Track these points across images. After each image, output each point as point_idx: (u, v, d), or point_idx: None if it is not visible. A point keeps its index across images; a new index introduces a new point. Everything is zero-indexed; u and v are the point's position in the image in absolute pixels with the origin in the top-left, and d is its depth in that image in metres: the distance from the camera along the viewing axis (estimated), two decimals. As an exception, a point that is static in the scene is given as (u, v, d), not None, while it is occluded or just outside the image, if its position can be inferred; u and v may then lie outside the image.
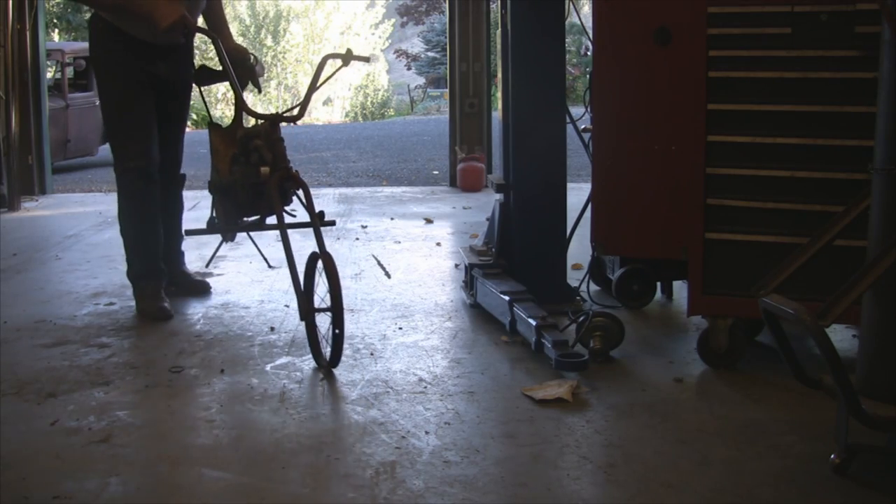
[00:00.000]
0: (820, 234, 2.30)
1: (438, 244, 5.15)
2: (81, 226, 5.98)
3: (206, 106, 4.10)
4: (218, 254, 4.54)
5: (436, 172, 9.87)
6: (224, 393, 2.72)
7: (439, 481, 2.09)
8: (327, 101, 27.18)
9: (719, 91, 2.79)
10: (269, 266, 4.38)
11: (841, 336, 3.18)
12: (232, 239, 3.72)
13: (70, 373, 2.89)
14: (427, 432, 2.38)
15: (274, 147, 3.06)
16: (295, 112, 3.20)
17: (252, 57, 3.58)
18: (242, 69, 3.52)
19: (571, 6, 3.78)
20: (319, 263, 2.87)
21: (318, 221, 2.99)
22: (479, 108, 7.84)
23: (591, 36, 3.16)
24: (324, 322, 2.88)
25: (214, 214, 3.46)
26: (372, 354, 3.06)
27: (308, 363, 2.95)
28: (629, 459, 2.23)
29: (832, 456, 2.12)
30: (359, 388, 2.71)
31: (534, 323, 2.93)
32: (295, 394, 2.69)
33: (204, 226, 3.50)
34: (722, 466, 2.18)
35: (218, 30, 3.68)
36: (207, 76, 3.68)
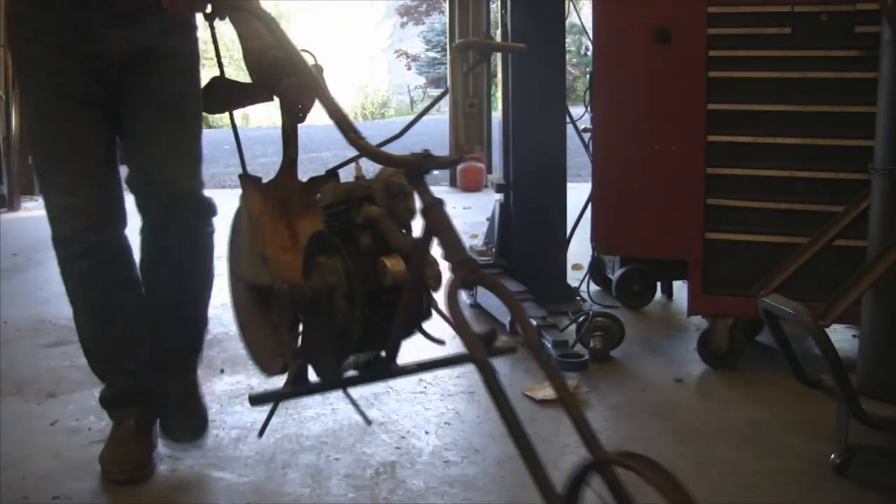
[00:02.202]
0: (820, 234, 2.30)
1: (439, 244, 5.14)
2: (81, 226, 5.97)
3: (233, 123, 2.13)
4: (218, 253, 4.52)
5: (436, 172, 9.84)
6: (224, 393, 2.72)
7: (439, 481, 2.09)
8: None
9: (719, 91, 2.79)
10: (368, 423, 2.42)
11: (841, 336, 3.18)
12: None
13: (70, 373, 2.89)
14: (427, 432, 2.38)
15: (437, 223, 1.55)
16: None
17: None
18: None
19: (571, 6, 3.79)
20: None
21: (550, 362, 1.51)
22: (479, 108, 7.84)
23: (591, 36, 3.16)
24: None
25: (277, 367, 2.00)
26: (372, 354, 3.06)
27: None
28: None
29: (832, 456, 2.12)
30: (359, 388, 2.71)
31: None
32: (295, 394, 2.68)
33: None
34: (722, 466, 2.18)
35: None
36: (228, 96, 2.12)
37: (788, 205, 2.75)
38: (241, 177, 2.04)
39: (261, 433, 2.02)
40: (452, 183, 8.13)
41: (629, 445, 2.31)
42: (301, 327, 1.85)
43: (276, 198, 2.05)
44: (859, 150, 2.56)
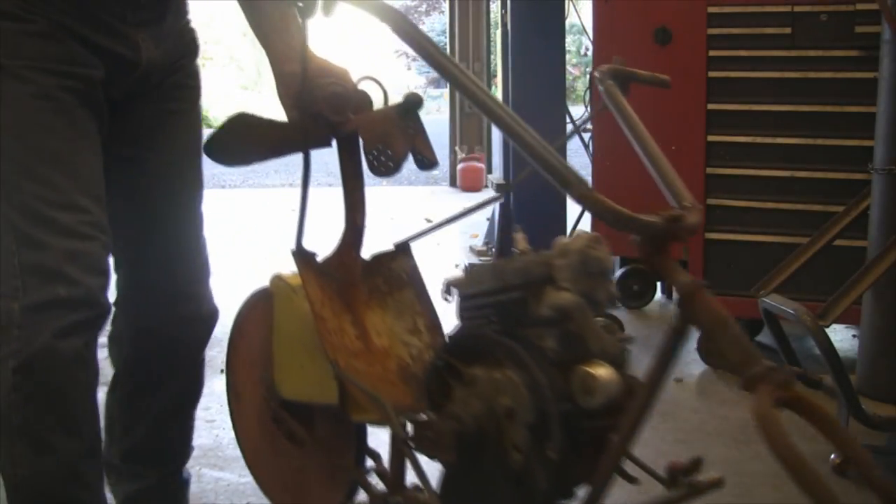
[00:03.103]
0: (820, 234, 2.30)
1: (438, 244, 5.15)
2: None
3: (305, 182, 1.48)
4: (218, 253, 4.51)
5: (436, 172, 9.86)
6: (224, 393, 2.71)
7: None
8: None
9: (719, 91, 2.79)
10: None
11: (841, 336, 3.18)
12: None
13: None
14: None
15: (707, 317, 1.11)
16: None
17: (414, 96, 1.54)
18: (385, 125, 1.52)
19: (571, 6, 3.79)
20: None
21: None
22: (479, 108, 7.84)
23: (591, 36, 3.17)
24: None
25: None
26: (372, 354, 3.05)
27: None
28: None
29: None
30: (359, 388, 2.71)
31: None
32: (295, 394, 2.68)
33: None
34: (722, 466, 2.17)
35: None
36: (261, 140, 1.46)
37: (788, 205, 2.75)
38: (294, 253, 1.47)
39: None
40: (452, 183, 8.13)
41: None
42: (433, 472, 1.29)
43: (335, 283, 1.50)
44: (859, 150, 2.56)
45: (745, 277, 2.67)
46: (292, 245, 1.48)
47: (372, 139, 1.49)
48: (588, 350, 1.17)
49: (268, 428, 1.64)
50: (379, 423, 1.39)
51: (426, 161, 1.55)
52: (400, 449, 1.33)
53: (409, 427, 1.30)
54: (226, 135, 1.41)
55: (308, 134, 1.44)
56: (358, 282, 1.54)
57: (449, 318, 1.43)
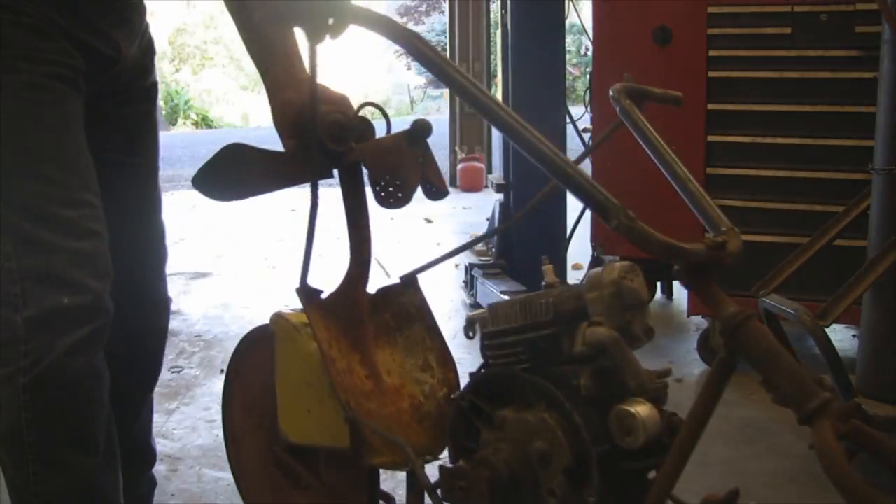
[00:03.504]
0: (820, 234, 2.30)
1: (438, 244, 5.15)
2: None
3: (311, 224, 1.35)
4: (218, 253, 4.50)
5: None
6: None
7: (439, 481, 2.08)
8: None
9: (719, 91, 2.79)
10: None
11: (841, 336, 3.18)
12: None
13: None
14: None
15: (759, 349, 1.05)
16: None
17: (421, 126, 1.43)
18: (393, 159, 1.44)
19: (571, 6, 3.79)
20: None
21: None
22: (479, 108, 7.84)
23: (591, 36, 3.17)
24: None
25: None
26: (372, 354, 3.05)
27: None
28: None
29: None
30: None
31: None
32: (295, 394, 2.68)
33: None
34: (722, 466, 2.18)
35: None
36: (258, 173, 1.38)
37: (788, 205, 2.75)
38: (299, 292, 1.38)
39: None
40: (452, 183, 8.12)
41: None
42: None
43: (341, 321, 1.42)
44: (859, 150, 2.56)
45: (745, 277, 2.67)
46: (297, 283, 1.39)
47: (380, 170, 1.41)
48: (626, 387, 1.10)
49: (270, 473, 1.57)
50: (394, 466, 1.33)
51: (436, 191, 1.48)
52: (420, 494, 1.26)
53: (435, 473, 1.23)
54: (217, 169, 1.32)
55: (307, 165, 1.35)
56: (365, 319, 1.46)
57: (458, 351, 1.41)
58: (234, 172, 1.34)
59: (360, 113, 1.40)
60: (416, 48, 1.10)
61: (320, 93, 1.32)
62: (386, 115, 1.45)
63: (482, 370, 1.28)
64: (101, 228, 1.35)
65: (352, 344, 1.42)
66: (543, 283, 1.26)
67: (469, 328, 1.32)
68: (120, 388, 1.55)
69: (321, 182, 1.32)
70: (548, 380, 1.16)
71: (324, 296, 1.42)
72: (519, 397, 1.18)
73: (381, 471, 1.45)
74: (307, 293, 1.39)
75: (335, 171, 1.40)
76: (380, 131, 1.43)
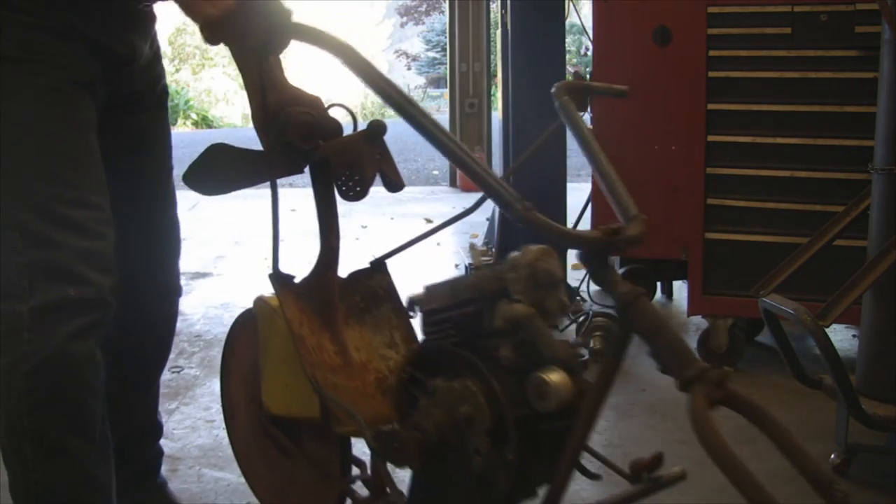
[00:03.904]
0: (820, 234, 2.30)
1: (438, 244, 5.15)
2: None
3: (275, 210, 1.50)
4: (218, 253, 4.50)
5: (436, 172, 9.86)
6: (224, 393, 2.72)
7: None
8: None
9: (719, 91, 2.79)
10: None
11: (841, 336, 3.18)
12: None
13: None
14: None
15: (647, 323, 1.19)
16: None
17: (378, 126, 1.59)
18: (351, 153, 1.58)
19: (571, 6, 3.79)
20: None
21: None
22: (479, 108, 7.84)
23: (591, 36, 3.17)
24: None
25: None
26: (372, 354, 3.05)
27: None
28: (629, 459, 2.22)
29: (832, 456, 2.12)
30: None
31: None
32: (295, 394, 2.68)
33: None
34: (722, 466, 2.17)
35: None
36: (236, 171, 1.52)
37: (788, 205, 2.75)
38: (271, 277, 1.52)
39: None
40: (452, 183, 8.13)
41: (629, 445, 2.31)
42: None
43: (313, 302, 1.56)
44: (859, 150, 2.56)
45: (745, 277, 2.67)
46: (269, 269, 1.53)
47: (340, 165, 1.55)
48: (541, 357, 1.22)
49: (261, 443, 1.70)
50: (357, 434, 1.43)
51: (393, 183, 1.63)
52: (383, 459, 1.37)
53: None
54: (203, 166, 1.46)
55: (275, 162, 1.50)
56: (336, 300, 1.59)
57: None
58: (218, 170, 1.49)
59: (332, 113, 1.55)
60: (352, 61, 1.22)
61: (295, 95, 1.47)
62: (353, 116, 1.60)
63: (420, 345, 1.42)
64: (107, 230, 1.41)
65: (323, 323, 1.56)
66: (470, 265, 1.38)
67: (410, 307, 1.45)
68: (131, 370, 1.72)
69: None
70: (473, 352, 1.29)
71: (297, 280, 1.56)
72: (449, 368, 1.32)
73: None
74: (279, 278, 1.53)
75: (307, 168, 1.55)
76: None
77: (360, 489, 1.56)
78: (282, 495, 1.75)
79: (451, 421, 1.29)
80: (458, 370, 1.31)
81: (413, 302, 1.44)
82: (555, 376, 1.21)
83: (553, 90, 1.45)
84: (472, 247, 1.30)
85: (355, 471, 1.61)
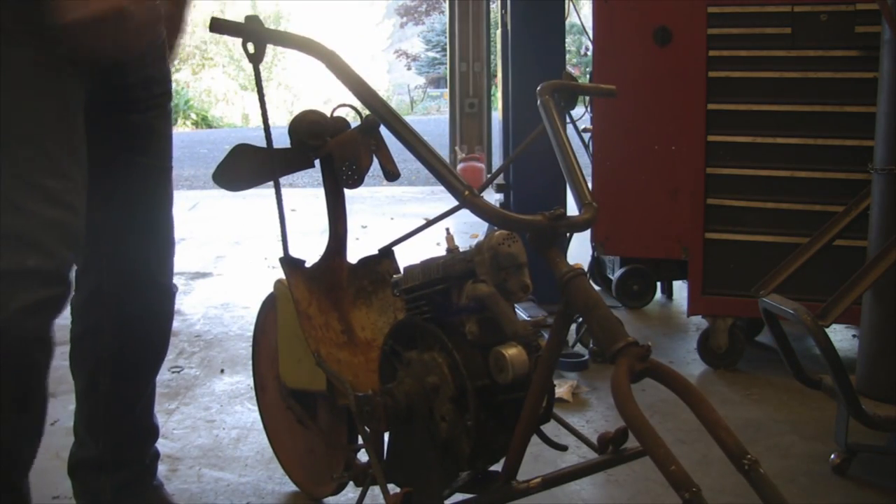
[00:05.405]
0: (820, 234, 2.30)
1: (438, 244, 5.14)
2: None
3: (279, 201, 1.62)
4: (218, 253, 4.50)
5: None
6: (224, 393, 2.72)
7: (439, 481, 2.08)
8: (327, 101, 27.24)
9: (719, 91, 2.79)
10: None
11: (841, 336, 3.18)
12: None
13: (69, 373, 2.88)
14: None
15: (583, 300, 1.29)
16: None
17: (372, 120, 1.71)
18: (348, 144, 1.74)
19: (571, 6, 3.79)
20: None
21: None
22: (479, 108, 7.84)
23: (591, 36, 3.17)
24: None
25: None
26: (372, 354, 3.05)
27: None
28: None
29: (832, 456, 2.12)
30: None
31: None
32: (295, 394, 2.68)
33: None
34: (722, 466, 2.17)
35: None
36: (257, 168, 1.71)
37: (788, 205, 2.75)
38: (281, 261, 1.67)
39: None
40: (452, 183, 8.13)
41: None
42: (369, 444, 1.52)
43: (323, 285, 1.72)
44: (859, 150, 2.57)
45: (745, 277, 2.67)
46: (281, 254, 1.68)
47: (340, 157, 1.72)
48: (503, 333, 1.31)
49: (284, 415, 1.88)
50: None
51: (388, 172, 1.77)
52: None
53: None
54: (229, 165, 1.66)
55: (289, 159, 1.72)
56: (344, 283, 1.76)
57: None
58: (242, 167, 1.67)
59: (339, 112, 1.75)
60: (333, 64, 1.32)
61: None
62: (359, 113, 1.72)
63: (400, 320, 1.56)
64: (78, 203, 1.40)
65: (331, 304, 1.73)
66: (446, 249, 1.51)
67: (393, 287, 1.57)
68: (126, 366, 1.75)
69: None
70: (443, 327, 1.42)
71: (308, 265, 1.73)
72: (422, 342, 1.46)
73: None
74: (289, 262, 1.69)
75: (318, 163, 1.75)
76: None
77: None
78: (303, 461, 1.92)
79: (420, 390, 1.42)
80: (430, 343, 1.43)
81: (395, 283, 1.56)
82: (513, 351, 1.33)
83: (538, 89, 1.52)
84: (447, 232, 1.35)
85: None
